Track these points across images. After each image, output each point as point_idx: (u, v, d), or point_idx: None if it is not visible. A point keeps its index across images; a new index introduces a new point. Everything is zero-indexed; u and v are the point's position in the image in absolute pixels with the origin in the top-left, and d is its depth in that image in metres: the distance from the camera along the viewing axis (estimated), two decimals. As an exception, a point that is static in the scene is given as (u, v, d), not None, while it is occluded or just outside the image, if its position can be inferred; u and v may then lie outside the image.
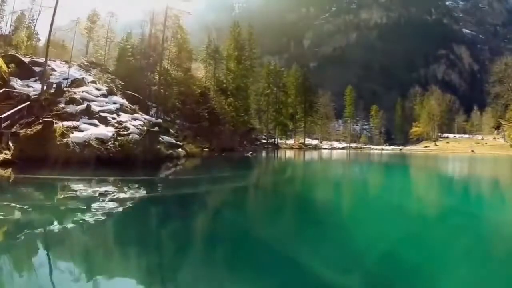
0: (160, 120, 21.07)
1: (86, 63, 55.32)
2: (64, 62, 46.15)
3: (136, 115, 19.13)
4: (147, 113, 39.16)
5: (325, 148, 72.82)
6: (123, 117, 17.42)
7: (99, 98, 18.95)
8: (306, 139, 75.97)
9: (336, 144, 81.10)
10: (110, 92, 20.46)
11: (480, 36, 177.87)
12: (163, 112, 36.30)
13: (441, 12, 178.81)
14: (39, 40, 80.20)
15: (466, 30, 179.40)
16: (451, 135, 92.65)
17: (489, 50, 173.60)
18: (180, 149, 18.37)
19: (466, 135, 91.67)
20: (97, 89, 20.97)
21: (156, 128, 19.43)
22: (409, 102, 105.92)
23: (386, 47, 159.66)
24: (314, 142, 78.32)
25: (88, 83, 21.84)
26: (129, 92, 40.70)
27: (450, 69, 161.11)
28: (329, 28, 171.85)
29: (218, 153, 29.01)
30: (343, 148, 76.15)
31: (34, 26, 65.63)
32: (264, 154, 43.81)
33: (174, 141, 18.79)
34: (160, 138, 18.06)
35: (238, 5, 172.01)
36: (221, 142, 39.51)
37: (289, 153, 46.04)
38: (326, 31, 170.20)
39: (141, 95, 38.07)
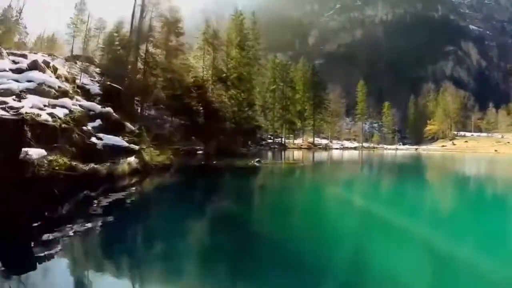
0: (109, 109, 12.81)
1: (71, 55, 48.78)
2: (46, 55, 41.08)
3: (63, 100, 10.94)
4: (131, 107, 31.18)
5: (336, 148, 64.45)
6: (28, 101, 9.24)
7: (3, 73, 10.78)
8: (315, 139, 67.63)
9: (347, 143, 72.56)
10: (33, 67, 12.23)
11: (488, 32, 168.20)
12: (144, 104, 28.22)
13: (448, 8, 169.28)
14: (27, 34, 73.38)
15: (473, 27, 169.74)
16: (468, 134, 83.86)
17: (497, 46, 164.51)
18: (131, 159, 10.03)
19: (484, 134, 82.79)
20: (15, 62, 12.82)
21: (98, 123, 11.28)
22: (421, 99, 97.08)
23: (392, 43, 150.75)
24: (324, 141, 69.94)
25: (6, 57, 13.67)
26: (108, 83, 32.84)
27: (458, 66, 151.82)
28: (334, 25, 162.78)
29: (212, 159, 20.68)
30: (355, 148, 67.74)
31: (18, 19, 60.95)
32: (270, 154, 35.68)
33: (125, 144, 10.56)
34: (98, 139, 9.86)
35: (241, 2, 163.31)
36: (220, 143, 31.41)
37: (301, 155, 37.83)
38: (331, 28, 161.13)
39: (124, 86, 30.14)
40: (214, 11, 68.80)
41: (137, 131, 13.10)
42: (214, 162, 15.59)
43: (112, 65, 35.15)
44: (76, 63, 42.96)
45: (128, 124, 13.39)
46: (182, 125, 33.48)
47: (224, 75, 34.58)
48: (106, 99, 32.29)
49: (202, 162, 16.56)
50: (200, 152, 27.15)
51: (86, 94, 32.38)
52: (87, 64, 45.09)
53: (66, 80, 20.68)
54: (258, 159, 14.97)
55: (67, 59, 44.16)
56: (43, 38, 75.49)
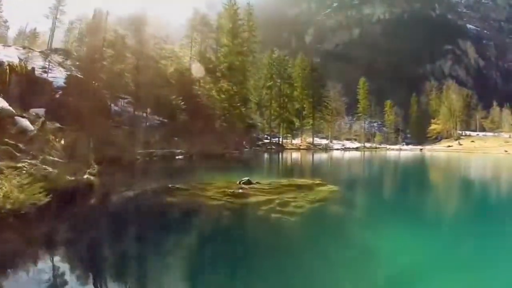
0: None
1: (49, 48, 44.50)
2: (21, 48, 34.60)
3: None
4: (99, 100, 25.57)
5: (337, 149, 58.91)
6: None
7: None
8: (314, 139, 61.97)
9: (348, 144, 66.96)
10: None
11: (485, 31, 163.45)
12: (112, 99, 22.42)
13: (445, 7, 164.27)
14: (8, 28, 68.24)
15: (471, 26, 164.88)
16: (473, 133, 78.47)
17: (494, 46, 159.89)
18: None
19: (490, 133, 77.41)
20: None
21: None
22: (424, 97, 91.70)
23: (390, 43, 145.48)
24: (323, 141, 64.36)
25: None
26: (76, 73, 27.40)
27: (456, 65, 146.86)
28: (331, 24, 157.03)
29: (184, 172, 14.94)
30: (356, 149, 62.21)
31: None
32: (266, 158, 30.07)
33: None
34: None
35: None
36: (206, 145, 25.72)
37: (300, 157, 32.23)
38: (328, 27, 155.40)
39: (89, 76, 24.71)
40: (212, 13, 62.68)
41: (34, 131, 7.26)
42: (170, 186, 8.87)
43: (89, 55, 29.62)
44: (51, 55, 38.26)
45: (23, 121, 7.50)
46: (161, 124, 27.81)
47: (212, 65, 28.64)
48: (70, 92, 26.51)
49: (148, 188, 9.59)
50: (180, 156, 21.46)
51: (48, 87, 26.72)
52: (63, 56, 39.80)
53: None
54: (247, 179, 8.78)
55: (44, 52, 39.04)
56: (25, 32, 69.69)
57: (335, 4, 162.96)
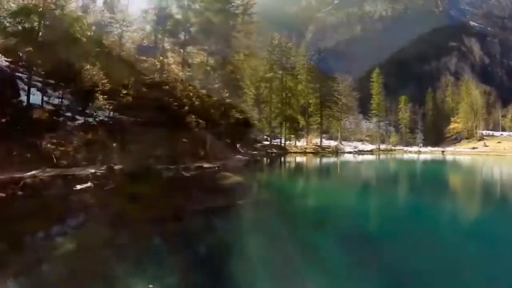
0: None
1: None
2: None
3: None
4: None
5: (350, 152, 47.32)
6: None
7: None
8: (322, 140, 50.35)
9: (360, 146, 55.14)
10: None
11: (489, 28, 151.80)
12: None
13: (448, 4, 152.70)
14: None
15: (474, 23, 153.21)
16: (496, 133, 66.64)
17: (499, 43, 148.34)
18: None
19: (516, 133, 65.51)
20: None
21: None
22: (439, 93, 79.89)
23: (393, 39, 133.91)
24: (332, 143, 52.72)
25: None
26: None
27: (462, 62, 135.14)
28: (332, 21, 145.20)
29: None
30: (371, 152, 50.62)
31: None
32: (265, 163, 18.81)
33: None
34: None
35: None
36: (164, 155, 14.20)
37: (323, 170, 20.85)
38: (329, 24, 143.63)
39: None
40: None
41: None
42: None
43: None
44: None
45: None
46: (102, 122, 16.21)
47: (175, 25, 16.81)
48: None
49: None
50: (87, 185, 10.02)
51: None
52: None
53: None
54: None
55: None
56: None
57: (336, 1, 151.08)
